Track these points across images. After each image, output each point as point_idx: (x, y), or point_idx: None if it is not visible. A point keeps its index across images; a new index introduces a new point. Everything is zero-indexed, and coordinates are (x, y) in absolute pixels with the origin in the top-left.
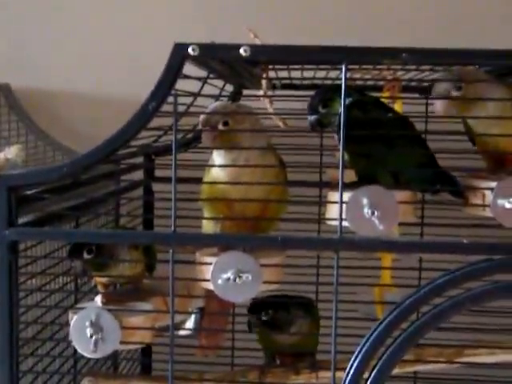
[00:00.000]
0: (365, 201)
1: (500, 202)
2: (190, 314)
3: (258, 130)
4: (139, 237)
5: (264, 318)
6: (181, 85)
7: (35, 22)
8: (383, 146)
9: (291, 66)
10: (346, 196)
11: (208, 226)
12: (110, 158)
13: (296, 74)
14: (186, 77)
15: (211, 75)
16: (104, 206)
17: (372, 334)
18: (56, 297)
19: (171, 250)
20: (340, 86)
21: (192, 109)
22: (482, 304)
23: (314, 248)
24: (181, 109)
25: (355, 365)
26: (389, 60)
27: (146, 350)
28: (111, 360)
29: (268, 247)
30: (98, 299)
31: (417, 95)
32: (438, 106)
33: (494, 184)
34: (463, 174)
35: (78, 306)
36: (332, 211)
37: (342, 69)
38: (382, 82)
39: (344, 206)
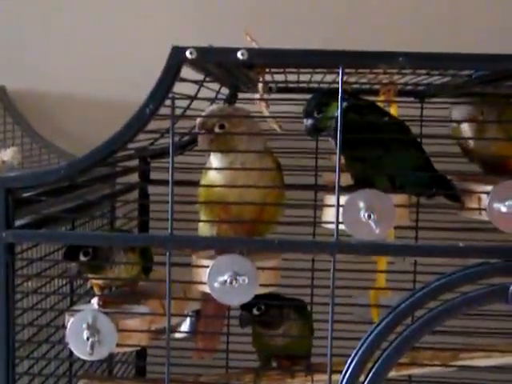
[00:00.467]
0: (361, 204)
1: (496, 205)
2: (186, 316)
3: (255, 134)
4: (136, 239)
5: (256, 313)
6: (177, 88)
7: (31, 24)
8: (379, 150)
9: (287, 70)
10: (343, 199)
11: (204, 229)
12: (107, 161)
13: (292, 77)
14: (183, 80)
15: (207, 78)
16: (99, 209)
17: (368, 336)
18: (52, 299)
19: (168, 253)
20: (335, 90)
21: (188, 112)
22: (478, 308)
23: (311, 251)
24: (177, 112)
25: (351, 368)
26: (386, 64)
27: (141, 353)
28: (106, 363)
29: (265, 250)
30: (95, 302)
31: (412, 99)
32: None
33: (489, 188)
34: (459, 177)
35: (75, 308)
36: (328, 214)
37: (338, 73)
38: (377, 86)
39: (341, 209)
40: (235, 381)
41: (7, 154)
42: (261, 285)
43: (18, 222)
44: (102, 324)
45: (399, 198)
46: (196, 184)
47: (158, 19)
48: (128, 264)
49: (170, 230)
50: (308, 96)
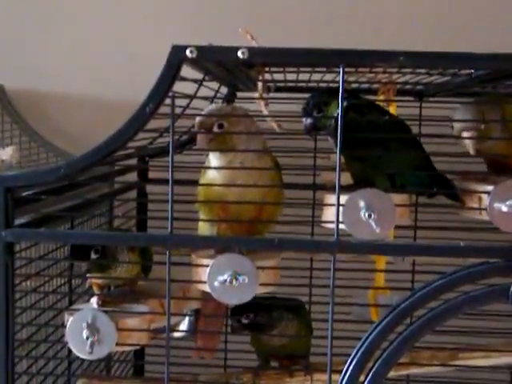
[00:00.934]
0: (362, 203)
1: (497, 205)
2: (185, 315)
3: (253, 133)
4: (135, 238)
5: (244, 321)
6: (176, 86)
7: (30, 23)
8: (379, 149)
9: (287, 69)
10: (343, 199)
11: (204, 228)
12: (106, 160)
13: (291, 76)
14: (183, 79)
15: (207, 77)
16: (98, 208)
17: (368, 336)
18: (51, 298)
19: (167, 252)
20: (334, 89)
21: (187, 111)
22: (478, 307)
23: (311, 250)
24: (177, 110)
25: (351, 367)
26: (386, 63)
27: (139, 352)
28: (104, 362)
29: (265, 249)
30: (94, 301)
31: (411, 98)
32: None
33: (490, 188)
34: (459, 177)
35: (74, 307)
36: (328, 214)
37: (338, 72)
38: (376, 85)
39: (341, 208)
40: (234, 380)
41: (6, 153)
42: (260, 284)
43: (17, 221)
44: (102, 323)
45: (400, 198)
46: (195, 183)
47: (157, 18)
48: (130, 263)
49: (169, 230)
50: (307, 95)
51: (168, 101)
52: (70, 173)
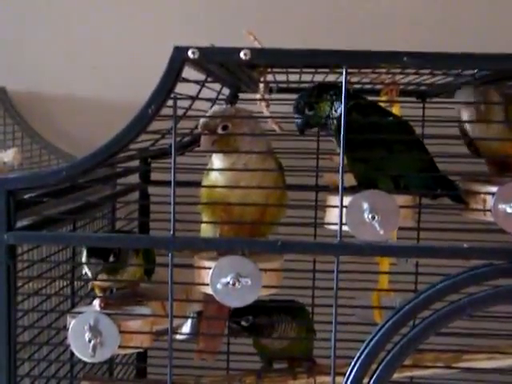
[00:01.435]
0: (365, 205)
1: (501, 206)
2: (188, 318)
3: (257, 135)
4: (138, 241)
5: (244, 324)
6: (178, 88)
7: (31, 24)
8: (383, 151)
9: (289, 70)
10: (346, 200)
11: (207, 230)
12: (108, 162)
13: (293, 77)
14: (185, 80)
15: (209, 78)
16: (100, 210)
17: (372, 338)
18: (53, 301)
19: (170, 254)
20: (324, 85)
21: (189, 112)
22: (483, 309)
23: (314, 252)
24: (179, 112)
25: (355, 370)
26: (390, 64)
27: (142, 355)
28: (107, 364)
29: (268, 251)
30: (96, 303)
31: (414, 99)
32: None
33: (494, 189)
34: (464, 178)
35: (76, 310)
36: (331, 215)
37: (340, 72)
38: (379, 86)
39: (344, 210)
40: (237, 382)
41: (8, 155)
42: (263, 286)
43: (19, 224)
44: (104, 326)
45: (403, 199)
46: (198, 185)
47: (159, 20)
48: (138, 266)
49: (172, 232)
50: None
51: (170, 102)
52: (71, 175)
